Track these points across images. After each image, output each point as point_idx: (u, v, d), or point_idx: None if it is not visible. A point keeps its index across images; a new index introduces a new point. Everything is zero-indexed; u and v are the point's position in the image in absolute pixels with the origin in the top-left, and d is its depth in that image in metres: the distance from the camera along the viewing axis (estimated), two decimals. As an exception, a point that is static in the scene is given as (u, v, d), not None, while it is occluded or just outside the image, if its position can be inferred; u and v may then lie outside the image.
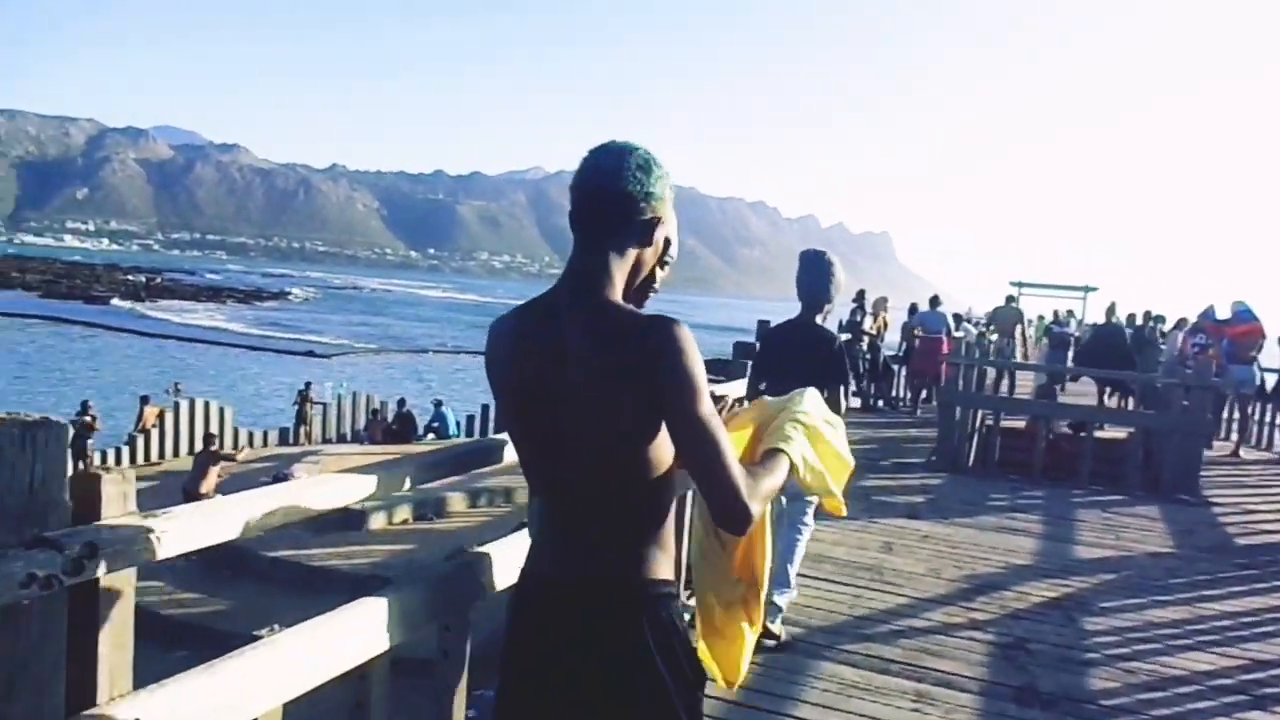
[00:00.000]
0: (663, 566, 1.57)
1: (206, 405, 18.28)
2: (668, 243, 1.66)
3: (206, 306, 69.93)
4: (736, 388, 4.31)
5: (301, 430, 19.64)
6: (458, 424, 19.48)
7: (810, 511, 4.10)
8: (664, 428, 1.50)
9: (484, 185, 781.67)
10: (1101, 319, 13.87)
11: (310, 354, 43.25)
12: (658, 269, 1.67)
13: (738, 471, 1.49)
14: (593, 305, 1.53)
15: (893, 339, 14.92)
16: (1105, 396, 13.10)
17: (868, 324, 12.97)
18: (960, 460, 8.81)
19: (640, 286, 1.65)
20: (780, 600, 3.94)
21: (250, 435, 18.65)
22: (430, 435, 18.86)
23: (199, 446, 17.54)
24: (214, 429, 17.98)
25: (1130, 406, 12.33)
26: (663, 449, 1.52)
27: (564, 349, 1.51)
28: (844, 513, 2.02)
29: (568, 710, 1.56)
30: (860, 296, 13.30)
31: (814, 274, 4.09)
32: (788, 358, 4.02)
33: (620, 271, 1.57)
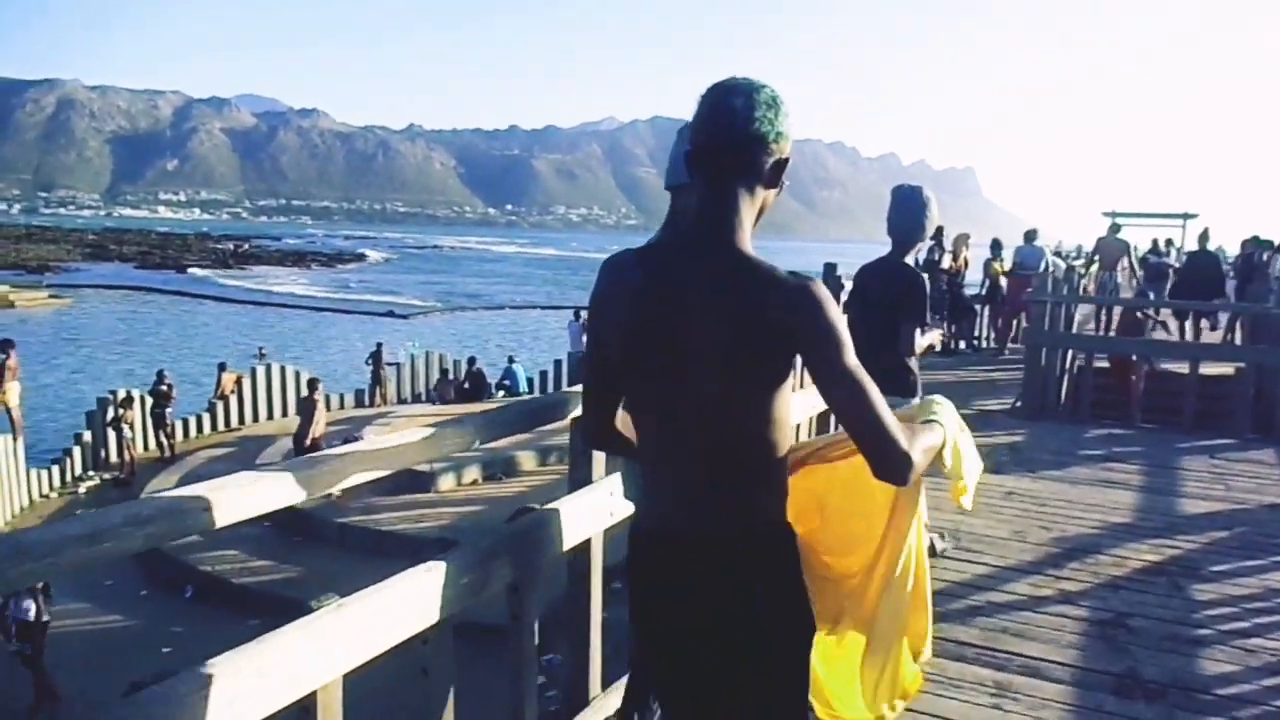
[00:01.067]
0: (778, 515, 1.58)
1: (283, 370, 18.47)
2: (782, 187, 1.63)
3: (290, 271, 71.46)
4: None
5: (377, 392, 19.77)
6: (529, 380, 19.33)
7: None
8: (788, 381, 1.51)
9: (558, 138, 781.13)
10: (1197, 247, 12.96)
11: (390, 314, 43.78)
12: None
13: (893, 420, 1.47)
14: (726, 253, 1.50)
15: (974, 277, 14.12)
16: (1195, 330, 12.24)
17: (946, 262, 12.21)
18: (1049, 405, 8.16)
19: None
20: None
21: (327, 398, 18.79)
22: (501, 393, 18.75)
23: (278, 412, 17.90)
24: (291, 393, 18.28)
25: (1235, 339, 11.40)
26: (784, 401, 1.52)
27: (696, 297, 1.48)
28: (969, 506, 2.01)
29: (689, 663, 1.58)
30: (939, 234, 12.51)
31: (906, 210, 3.94)
32: (875, 296, 3.98)
33: (750, 215, 1.53)
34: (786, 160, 1.55)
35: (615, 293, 1.57)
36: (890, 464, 1.48)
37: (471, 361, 19.55)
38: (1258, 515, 5.38)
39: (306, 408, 13.11)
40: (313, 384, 13.71)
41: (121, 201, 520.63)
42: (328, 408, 18.13)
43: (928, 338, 4.11)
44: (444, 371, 19.91)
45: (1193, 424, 7.72)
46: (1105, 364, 8.80)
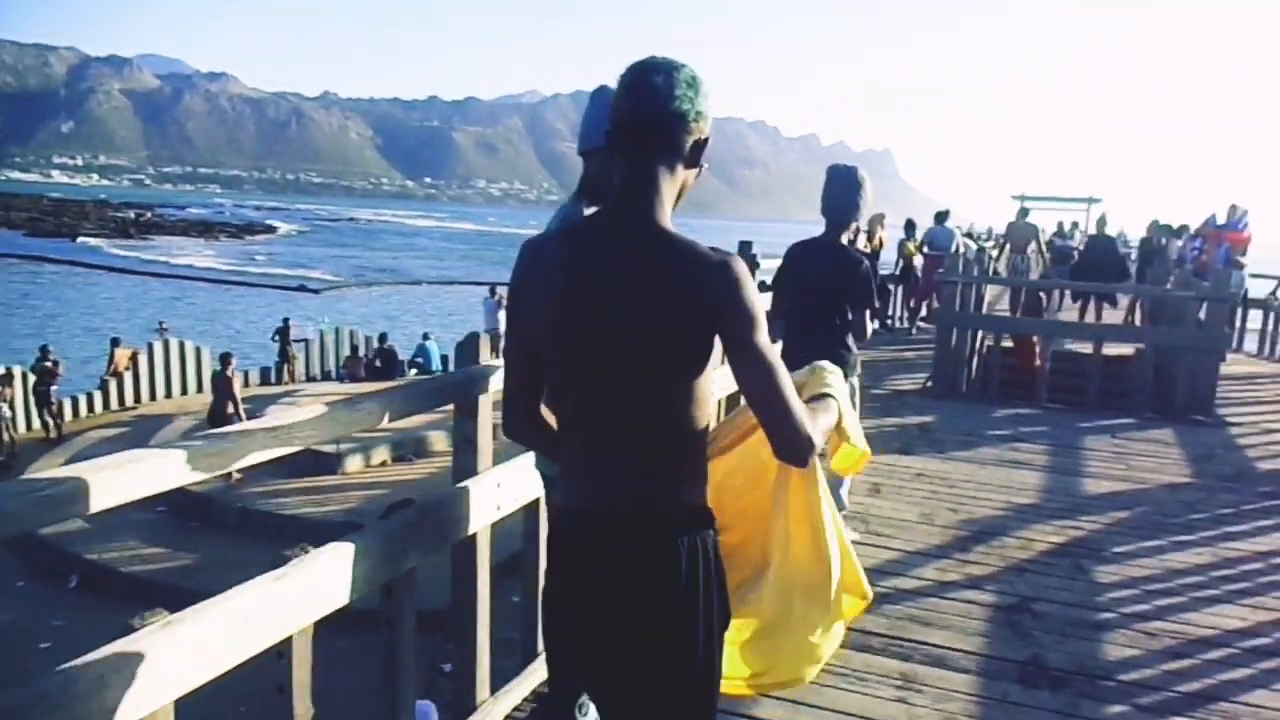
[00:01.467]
0: (700, 495, 1.58)
1: (182, 345, 17.72)
2: (702, 169, 1.62)
3: (196, 242, 68.97)
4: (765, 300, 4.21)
5: (284, 369, 19.13)
6: (444, 358, 18.94)
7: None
8: (710, 359, 1.51)
9: (479, 111, 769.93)
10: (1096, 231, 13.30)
11: (302, 289, 42.59)
12: None
13: (798, 403, 1.51)
14: (648, 231, 1.51)
15: (889, 257, 14.24)
16: (1096, 311, 12.62)
17: (861, 242, 12.24)
18: (958, 385, 8.23)
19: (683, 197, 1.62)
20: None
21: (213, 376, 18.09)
22: (414, 371, 18.32)
23: (176, 389, 17.18)
24: (190, 370, 17.54)
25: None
26: (706, 380, 1.53)
27: (619, 276, 1.48)
28: (860, 469, 2.12)
29: (613, 640, 1.57)
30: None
31: (844, 190, 3.95)
32: (814, 278, 3.98)
33: (670, 194, 1.54)
34: (706, 140, 1.56)
35: (537, 276, 1.56)
36: (793, 446, 1.51)
37: (383, 338, 19.04)
38: (1157, 495, 5.46)
39: (222, 384, 12.68)
40: (225, 359, 13.27)
41: (9, 164, 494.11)
42: (233, 385, 17.55)
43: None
44: (354, 349, 19.35)
45: (1096, 403, 7.87)
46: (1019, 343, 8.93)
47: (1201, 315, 8.21)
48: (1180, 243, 13.65)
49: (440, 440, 11.58)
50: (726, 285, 1.45)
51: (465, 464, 2.62)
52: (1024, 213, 17.93)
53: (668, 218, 1.53)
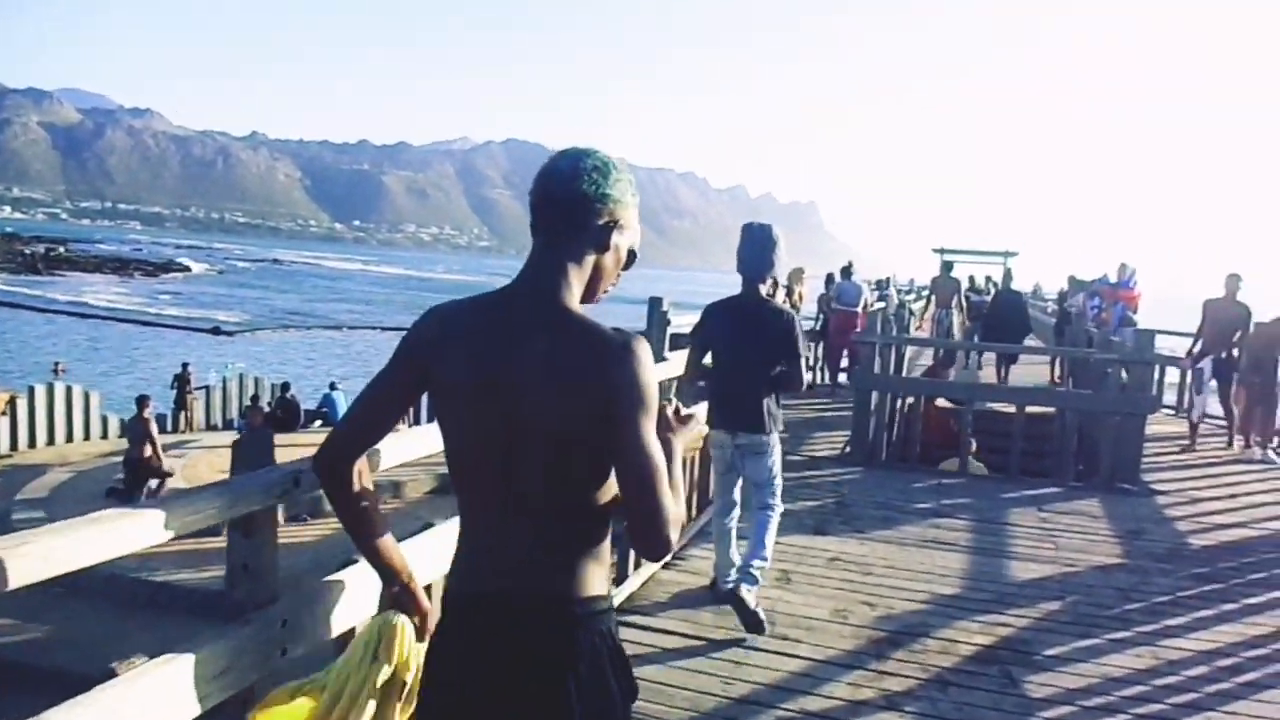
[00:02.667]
0: (601, 582, 1.55)
1: (69, 390, 16.52)
2: (632, 255, 1.63)
3: (109, 280, 66.44)
4: (675, 362, 4.20)
5: (181, 417, 18.02)
6: (351, 408, 18.06)
7: (776, 490, 4.15)
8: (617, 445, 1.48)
9: (410, 156, 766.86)
10: (1021, 286, 13.42)
11: (216, 331, 41.00)
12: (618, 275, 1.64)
13: (670, 501, 1.47)
14: (549, 310, 1.52)
15: (810, 310, 13.94)
16: (1005, 369, 12.62)
17: (780, 297, 11.86)
18: (878, 451, 7.80)
19: (603, 288, 1.61)
20: (756, 569, 4.04)
21: (122, 423, 16.93)
22: (318, 422, 17.39)
23: (60, 437, 15.97)
24: (78, 417, 16.35)
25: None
26: (609, 465, 1.50)
27: (521, 356, 1.48)
28: None
29: None
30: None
31: (757, 248, 3.98)
32: (738, 335, 3.98)
33: (578, 277, 1.54)
34: (615, 224, 1.56)
35: (441, 348, 1.53)
36: (653, 546, 1.49)
37: (285, 387, 18.06)
38: (1088, 580, 5.03)
39: (137, 429, 11.95)
40: (142, 401, 12.58)
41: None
42: (122, 433, 16.39)
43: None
44: (254, 398, 18.28)
45: (1019, 467, 7.51)
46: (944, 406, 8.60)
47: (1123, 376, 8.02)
48: (1081, 298, 13.97)
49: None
50: (625, 367, 1.45)
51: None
52: (948, 266, 17.99)
53: (573, 298, 1.53)
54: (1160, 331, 10.43)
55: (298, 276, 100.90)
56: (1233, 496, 7.14)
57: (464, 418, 1.52)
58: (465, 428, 1.53)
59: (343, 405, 17.98)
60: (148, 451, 11.64)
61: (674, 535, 1.47)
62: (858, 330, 10.81)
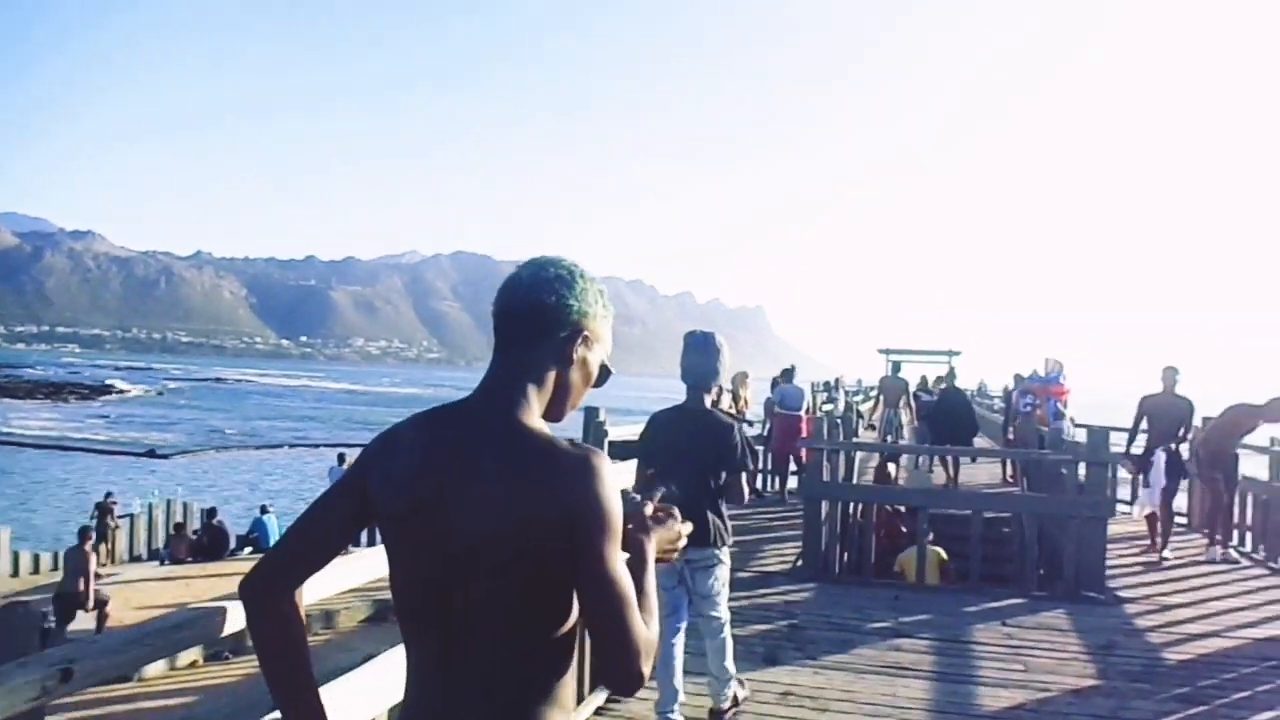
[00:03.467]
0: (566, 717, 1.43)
1: (-30, 526, 15.46)
2: (605, 370, 1.54)
3: (41, 405, 64.27)
4: (624, 471, 4.14)
5: (102, 549, 16.96)
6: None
7: (722, 604, 4.06)
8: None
9: (358, 270, 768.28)
10: (966, 384, 13.37)
11: (151, 454, 39.50)
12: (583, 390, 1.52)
13: (641, 630, 1.34)
14: (503, 429, 1.40)
15: (757, 412, 13.65)
16: (955, 471, 12.45)
17: (725, 403, 11.54)
18: (830, 565, 7.38)
19: (572, 404, 1.51)
20: (729, 692, 4.10)
21: (36, 559, 15.87)
22: (249, 549, 16.49)
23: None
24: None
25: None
26: (569, 596, 1.37)
27: (468, 477, 1.36)
28: None
29: None
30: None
31: (701, 356, 3.93)
32: (682, 445, 3.88)
33: (537, 393, 1.44)
34: (578, 335, 1.47)
35: (389, 470, 1.41)
36: (625, 679, 1.34)
37: (211, 513, 17.14)
38: (1063, 706, 4.59)
39: (76, 560, 11.33)
40: (84, 533, 12.01)
41: None
42: (36, 568, 15.35)
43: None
44: (178, 526, 17.30)
45: (980, 577, 7.12)
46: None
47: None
48: (1014, 395, 14.13)
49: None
50: (584, 486, 1.34)
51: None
52: (896, 366, 18.02)
53: (531, 414, 1.42)
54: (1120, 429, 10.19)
55: (240, 395, 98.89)
56: (1202, 602, 6.81)
57: (403, 547, 1.40)
58: (405, 558, 1.40)
59: (275, 530, 17.12)
60: (82, 585, 11.07)
61: (646, 668, 1.33)
62: (803, 435, 10.51)
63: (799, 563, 7.52)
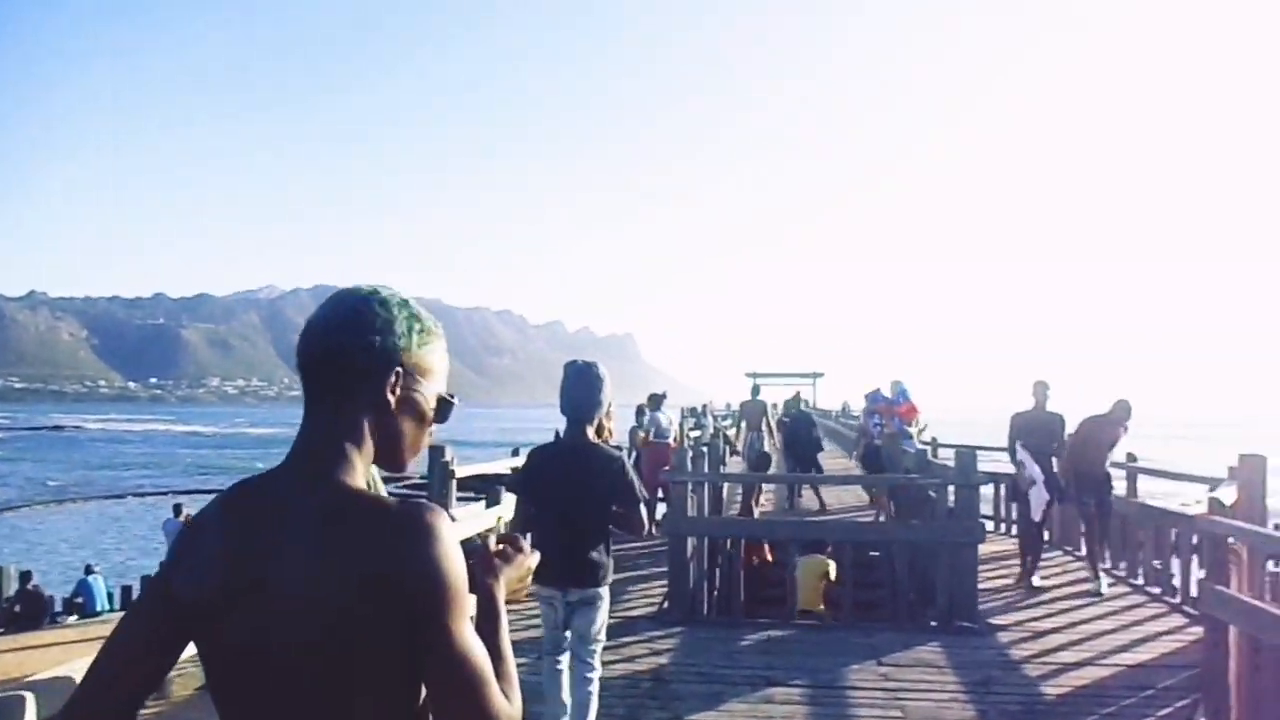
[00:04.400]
0: None
1: None
2: (444, 403, 1.32)
3: None
4: (505, 509, 4.13)
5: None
6: (110, 595, 15.62)
7: (598, 652, 3.94)
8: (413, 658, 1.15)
9: (212, 307, 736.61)
10: (830, 404, 13.47)
11: (-9, 509, 36.05)
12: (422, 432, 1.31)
13: (504, 709, 1.16)
14: (322, 497, 1.19)
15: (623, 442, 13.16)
16: (818, 494, 12.48)
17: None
18: (699, 605, 6.93)
19: (410, 451, 1.30)
20: None
21: None
22: (73, 616, 14.91)
23: None
24: None
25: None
26: (416, 681, 1.16)
27: (288, 557, 1.15)
28: None
29: None
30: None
31: (582, 387, 3.83)
32: (566, 480, 3.73)
33: (358, 449, 1.24)
34: (394, 377, 1.24)
35: (190, 557, 1.21)
36: None
37: (25, 577, 15.42)
38: (946, 758, 4.23)
39: None
40: None
41: None
42: None
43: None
44: (-12, 592, 15.50)
45: (850, 612, 6.80)
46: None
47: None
48: (863, 416, 14.51)
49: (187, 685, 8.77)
50: (416, 549, 1.14)
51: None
52: (756, 390, 17.93)
53: (354, 473, 1.22)
54: (965, 447, 9.92)
55: (83, 443, 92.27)
56: (1072, 626, 6.64)
57: (215, 650, 1.19)
58: (217, 663, 1.19)
59: (101, 592, 15.59)
60: None
61: None
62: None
63: (665, 605, 7.04)
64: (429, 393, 1.29)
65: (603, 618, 3.93)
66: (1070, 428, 7.97)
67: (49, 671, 2.27)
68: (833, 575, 8.28)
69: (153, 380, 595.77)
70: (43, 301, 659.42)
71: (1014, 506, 8.75)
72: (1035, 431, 7.90)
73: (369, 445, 1.25)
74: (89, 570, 16.21)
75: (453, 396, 1.32)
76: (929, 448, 12.20)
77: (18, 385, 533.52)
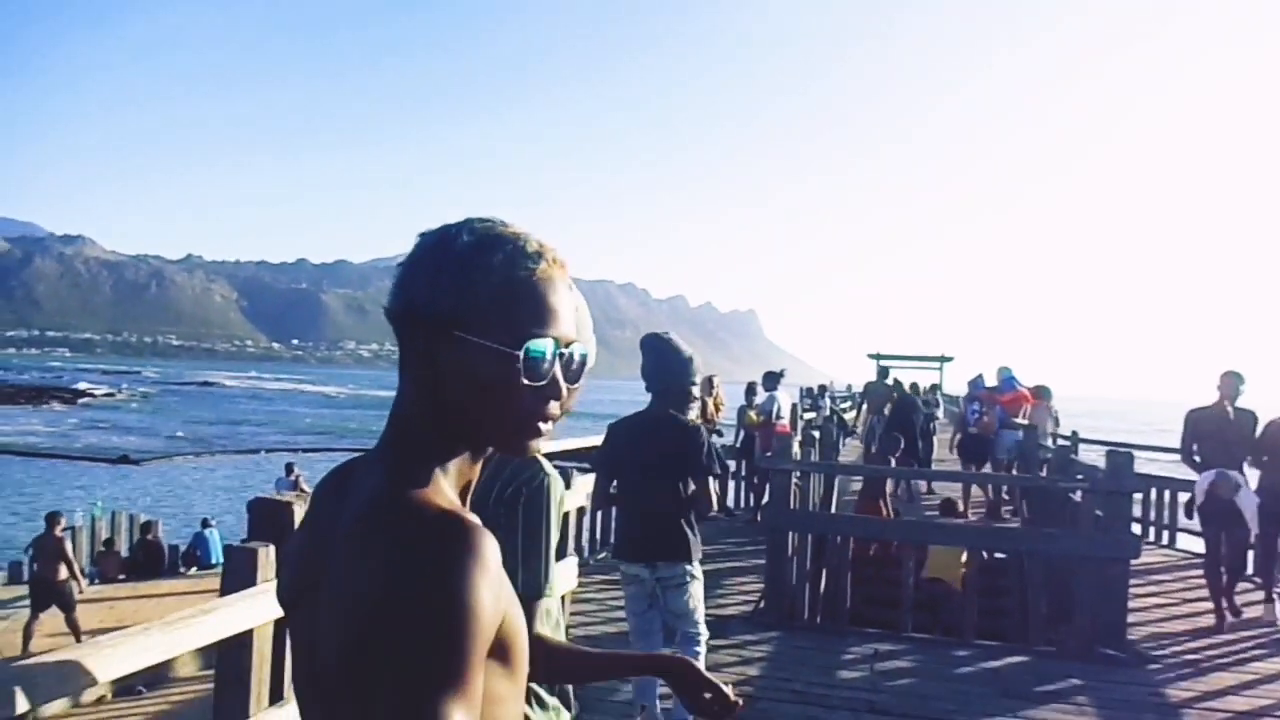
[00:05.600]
0: None
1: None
2: (533, 357, 0.95)
3: (22, 410, 62.66)
4: (582, 489, 3.97)
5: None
6: (226, 549, 15.97)
7: (700, 620, 3.88)
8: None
9: (350, 273, 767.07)
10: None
11: (124, 460, 38.13)
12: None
13: None
14: (368, 492, 0.94)
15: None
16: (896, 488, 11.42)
17: (694, 413, 10.35)
18: (798, 609, 6.22)
19: (500, 428, 0.98)
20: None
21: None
22: (193, 568, 15.27)
23: None
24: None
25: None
26: None
27: (334, 554, 0.92)
28: None
29: None
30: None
31: (656, 358, 3.72)
32: (646, 454, 3.72)
33: (414, 424, 0.98)
34: (439, 334, 0.95)
35: (286, 546, 1.27)
36: None
37: (146, 528, 15.88)
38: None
39: (49, 546, 10.54)
40: (52, 519, 11.09)
41: None
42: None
43: None
44: (108, 541, 16.02)
45: (974, 627, 5.98)
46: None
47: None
48: (962, 404, 13.38)
49: (187, 662, 8.66)
50: (376, 578, 0.84)
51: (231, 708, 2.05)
52: (883, 372, 16.78)
53: (412, 460, 0.94)
54: (1120, 446, 8.52)
55: (230, 399, 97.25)
56: (1241, 664, 5.63)
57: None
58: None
59: (217, 545, 15.90)
60: (62, 573, 10.28)
61: None
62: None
63: (761, 605, 6.36)
64: (493, 359, 0.93)
65: (698, 595, 3.86)
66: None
67: (51, 655, 2.01)
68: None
69: (294, 341, 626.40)
70: (198, 265, 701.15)
71: (1186, 524, 7.18)
72: (1218, 434, 6.41)
73: (426, 426, 0.97)
74: (205, 524, 16.61)
75: (568, 346, 0.97)
76: (1071, 443, 11.08)
77: (175, 342, 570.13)
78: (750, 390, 11.97)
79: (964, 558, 7.98)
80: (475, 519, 0.89)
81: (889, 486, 9.90)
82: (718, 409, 11.26)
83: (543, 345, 0.94)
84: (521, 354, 0.93)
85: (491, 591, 0.83)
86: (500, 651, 0.89)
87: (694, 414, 10.14)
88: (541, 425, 0.97)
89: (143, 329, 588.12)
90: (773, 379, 11.58)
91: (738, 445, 11.78)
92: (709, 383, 11.10)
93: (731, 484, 11.67)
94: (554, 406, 0.97)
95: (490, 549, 0.86)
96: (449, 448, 0.97)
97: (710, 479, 3.75)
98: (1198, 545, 9.67)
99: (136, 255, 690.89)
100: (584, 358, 1.01)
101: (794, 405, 12.73)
